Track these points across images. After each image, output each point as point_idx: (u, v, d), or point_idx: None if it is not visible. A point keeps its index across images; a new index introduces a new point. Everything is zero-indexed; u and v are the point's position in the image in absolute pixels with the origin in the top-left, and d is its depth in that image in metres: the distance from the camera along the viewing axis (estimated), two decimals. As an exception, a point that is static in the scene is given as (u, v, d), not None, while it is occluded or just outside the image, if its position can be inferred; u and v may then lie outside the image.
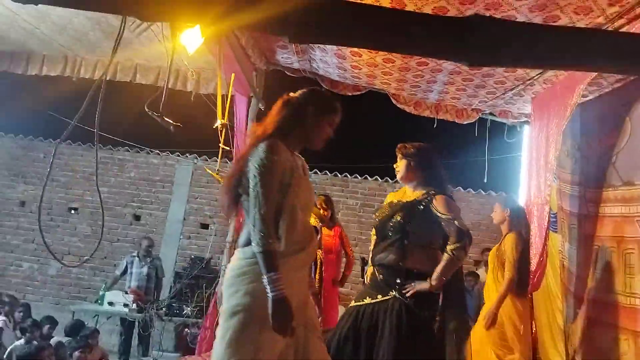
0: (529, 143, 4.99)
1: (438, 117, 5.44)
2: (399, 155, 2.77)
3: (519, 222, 3.71)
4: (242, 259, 1.83)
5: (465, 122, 5.44)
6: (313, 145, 2.07)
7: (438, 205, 2.53)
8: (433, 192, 2.61)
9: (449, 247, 2.45)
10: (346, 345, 2.47)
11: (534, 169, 4.48)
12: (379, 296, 2.52)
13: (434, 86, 4.78)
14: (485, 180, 5.97)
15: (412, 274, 2.51)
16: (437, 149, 2.87)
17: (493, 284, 3.61)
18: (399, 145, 2.82)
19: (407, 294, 2.45)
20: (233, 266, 1.86)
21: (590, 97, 4.16)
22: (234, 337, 1.74)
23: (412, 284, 2.46)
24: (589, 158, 4.14)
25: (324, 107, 2.06)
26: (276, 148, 1.85)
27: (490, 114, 5.46)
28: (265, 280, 1.70)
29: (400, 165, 2.76)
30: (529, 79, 4.25)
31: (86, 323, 5.81)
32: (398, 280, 2.49)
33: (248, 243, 1.81)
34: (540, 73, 4.10)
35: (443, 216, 2.50)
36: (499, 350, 3.40)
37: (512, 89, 4.54)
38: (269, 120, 1.99)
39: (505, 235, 3.62)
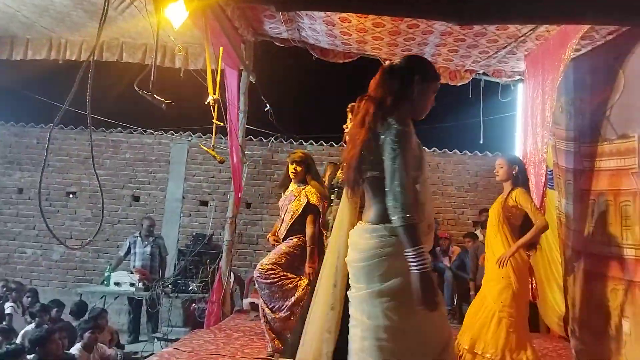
0: (523, 101, 4.98)
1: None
2: (350, 116, 2.67)
3: (524, 178, 3.71)
4: (379, 237, 1.76)
5: (459, 84, 5.41)
6: (419, 115, 1.94)
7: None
8: None
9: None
10: None
11: (530, 127, 4.48)
12: None
13: (425, 49, 4.72)
14: (481, 142, 5.98)
15: None
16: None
17: (495, 237, 3.58)
18: (350, 106, 2.69)
19: None
20: (369, 245, 1.77)
21: (583, 51, 4.12)
22: (396, 321, 1.70)
23: None
24: (583, 113, 4.13)
25: (430, 74, 1.95)
26: (408, 121, 1.80)
27: (484, 73, 5.42)
28: (410, 254, 1.65)
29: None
30: (521, 36, 4.20)
31: (94, 304, 5.91)
32: None
33: (381, 220, 1.75)
34: (532, 29, 4.06)
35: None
36: (499, 307, 3.43)
37: (504, 47, 4.49)
38: (379, 93, 1.88)
39: (512, 190, 3.59)
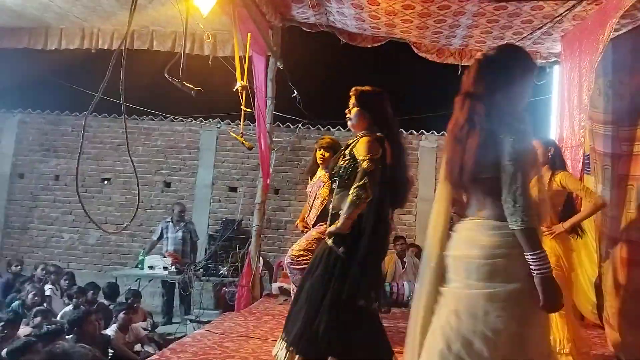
0: (559, 84, 4.81)
1: (462, 64, 5.27)
2: (353, 101, 2.62)
3: (562, 160, 3.59)
4: (504, 235, 1.69)
5: (491, 67, 5.26)
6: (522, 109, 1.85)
7: (358, 146, 2.48)
8: (361, 134, 2.55)
9: (352, 187, 2.40)
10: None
11: (566, 111, 4.34)
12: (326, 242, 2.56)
13: (457, 31, 4.61)
14: (514, 126, 5.82)
15: (338, 216, 2.49)
16: (386, 94, 2.67)
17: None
18: (354, 90, 2.65)
19: (326, 237, 2.50)
20: (493, 243, 1.71)
21: (623, 30, 3.94)
22: (524, 325, 1.67)
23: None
24: (622, 95, 3.97)
25: (531, 64, 1.85)
26: (522, 117, 1.74)
27: (517, 56, 5.26)
28: (532, 257, 1.62)
29: (353, 112, 2.63)
30: (558, 16, 4.05)
31: (129, 287, 6.10)
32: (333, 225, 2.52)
33: (500, 218, 1.69)
34: (569, 9, 3.90)
35: (359, 157, 2.45)
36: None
37: (539, 28, 4.34)
38: (481, 89, 1.77)
39: (554, 174, 3.47)
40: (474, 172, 1.74)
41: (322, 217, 3.82)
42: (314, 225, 3.85)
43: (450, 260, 1.79)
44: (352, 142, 2.59)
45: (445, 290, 1.78)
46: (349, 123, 2.68)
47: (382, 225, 2.50)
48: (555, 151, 3.53)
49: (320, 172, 3.94)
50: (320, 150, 3.91)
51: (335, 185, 2.59)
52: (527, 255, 1.63)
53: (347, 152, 2.57)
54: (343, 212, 2.42)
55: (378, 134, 2.52)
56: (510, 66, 1.79)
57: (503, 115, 1.71)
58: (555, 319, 3.28)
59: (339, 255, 2.43)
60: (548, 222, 3.40)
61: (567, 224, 3.35)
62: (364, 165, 2.40)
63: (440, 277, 1.81)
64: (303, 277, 2.62)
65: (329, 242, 2.48)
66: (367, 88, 2.66)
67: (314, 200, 3.88)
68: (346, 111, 2.67)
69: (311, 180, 4.04)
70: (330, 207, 2.57)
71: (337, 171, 2.57)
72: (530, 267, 1.62)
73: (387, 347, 2.50)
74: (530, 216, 1.62)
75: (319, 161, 3.92)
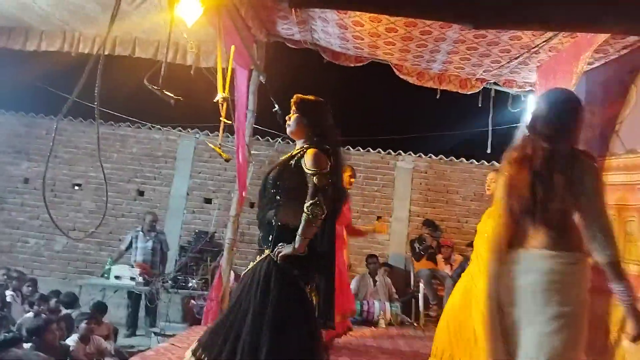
0: (533, 113, 4.94)
1: (441, 88, 5.38)
2: (293, 108, 2.60)
3: None
4: (571, 264, 1.95)
5: (469, 93, 5.39)
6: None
7: (306, 158, 2.39)
8: (307, 145, 2.48)
9: (305, 205, 2.29)
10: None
11: (538, 139, 4.44)
12: (258, 257, 2.44)
13: (437, 56, 4.71)
14: (488, 151, 5.94)
15: (286, 229, 2.38)
16: (327, 105, 2.66)
17: None
18: (294, 97, 2.64)
19: (276, 258, 2.34)
20: (563, 270, 1.95)
21: (596, 64, 4.09)
22: (579, 341, 1.95)
23: (280, 245, 2.35)
24: (593, 127, 4.10)
25: (582, 110, 2.11)
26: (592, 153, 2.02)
27: (495, 83, 5.40)
28: (621, 288, 1.85)
29: (292, 119, 2.59)
30: (535, 47, 4.18)
31: (93, 297, 5.91)
32: (270, 237, 2.39)
33: (575, 248, 1.93)
34: (545, 40, 4.03)
35: (307, 171, 2.36)
36: None
37: (517, 57, 4.47)
38: (551, 130, 1.99)
39: None
40: (547, 206, 1.91)
41: None
42: None
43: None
44: (297, 153, 2.49)
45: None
46: (287, 130, 2.62)
47: (328, 240, 2.47)
48: None
49: None
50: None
51: (275, 197, 2.44)
52: (616, 286, 1.87)
53: (292, 162, 2.46)
54: (299, 233, 2.30)
55: (326, 146, 2.46)
56: (574, 110, 2.03)
57: (580, 155, 1.92)
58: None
59: (294, 275, 2.33)
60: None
61: None
62: (316, 180, 2.30)
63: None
64: (239, 294, 2.42)
65: (280, 262, 2.34)
66: (308, 97, 2.64)
67: None
68: (286, 118, 2.63)
69: None
70: (273, 220, 2.39)
71: (282, 183, 2.44)
72: (619, 297, 1.89)
73: None
74: (617, 250, 1.87)
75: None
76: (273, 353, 2.17)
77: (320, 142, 2.47)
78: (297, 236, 2.30)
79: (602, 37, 3.40)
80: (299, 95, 2.63)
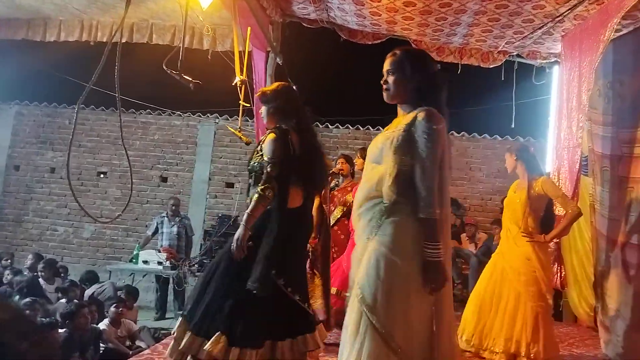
0: (559, 84, 4.79)
1: (462, 63, 5.25)
2: (261, 101, 2.75)
3: (535, 165, 3.60)
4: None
5: (491, 66, 5.24)
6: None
7: (264, 145, 2.54)
8: (268, 132, 2.60)
9: (258, 187, 2.46)
10: None
11: (565, 111, 4.32)
12: None
13: (457, 29, 4.58)
14: (512, 126, 5.81)
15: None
16: (289, 87, 2.79)
17: (520, 232, 3.48)
18: (258, 92, 2.81)
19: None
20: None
21: (624, 31, 3.93)
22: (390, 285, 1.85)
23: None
24: (623, 97, 3.96)
25: None
26: None
27: (518, 55, 5.23)
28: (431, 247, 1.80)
29: (262, 112, 2.74)
30: (559, 16, 4.03)
31: (124, 281, 6.05)
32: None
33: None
34: (570, 8, 3.88)
35: (264, 157, 2.51)
36: (531, 301, 3.36)
37: (540, 27, 4.32)
38: None
39: (534, 180, 3.48)
40: None
41: None
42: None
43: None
44: (263, 138, 2.64)
45: None
46: (263, 121, 2.78)
47: (293, 216, 2.55)
48: (530, 157, 3.55)
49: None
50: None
51: (251, 182, 2.63)
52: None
53: (259, 148, 2.63)
54: (247, 211, 2.48)
55: (283, 126, 2.59)
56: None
57: None
58: (522, 321, 3.29)
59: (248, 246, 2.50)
60: (525, 226, 3.42)
61: (549, 237, 3.36)
62: (268, 168, 2.47)
63: None
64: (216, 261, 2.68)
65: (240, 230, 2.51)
66: (268, 88, 2.80)
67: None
68: (260, 111, 2.79)
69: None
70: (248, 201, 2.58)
71: (252, 168, 2.62)
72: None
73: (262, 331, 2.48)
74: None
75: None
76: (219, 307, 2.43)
77: (284, 127, 2.59)
78: (245, 214, 2.49)
79: (632, 1, 3.25)
80: (260, 89, 2.84)
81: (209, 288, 2.50)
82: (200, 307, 2.46)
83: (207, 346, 2.34)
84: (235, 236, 2.50)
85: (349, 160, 4.57)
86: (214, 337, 2.36)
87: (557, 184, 3.66)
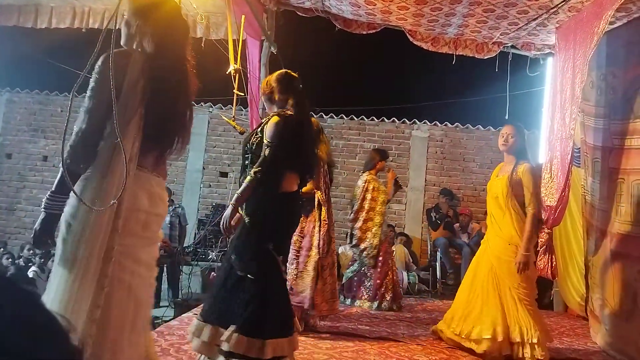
0: (552, 75, 4.80)
1: (457, 53, 5.24)
2: (261, 92, 2.80)
3: (525, 150, 3.58)
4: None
5: (485, 57, 5.24)
6: None
7: (267, 127, 2.55)
8: (271, 115, 2.63)
9: (252, 169, 2.48)
10: None
11: (558, 102, 4.33)
12: None
13: (452, 19, 4.58)
14: (506, 117, 5.83)
15: (255, 193, 2.57)
16: (291, 75, 2.79)
17: (504, 216, 3.43)
18: (263, 81, 2.87)
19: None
20: None
21: (618, 23, 3.94)
22: None
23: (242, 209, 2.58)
24: (615, 89, 3.98)
25: None
26: None
27: (512, 47, 5.24)
28: None
29: (264, 98, 2.80)
30: (553, 7, 4.03)
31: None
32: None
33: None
34: (564, 0, 3.88)
35: (265, 140, 2.53)
36: (516, 287, 3.37)
37: (535, 19, 4.32)
38: None
39: (518, 165, 3.45)
40: None
41: None
42: None
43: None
44: (265, 120, 2.65)
45: None
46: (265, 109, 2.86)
47: (286, 200, 2.59)
48: (520, 140, 3.52)
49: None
50: None
51: (244, 162, 2.66)
52: None
53: (259, 130, 2.64)
54: (238, 192, 2.52)
55: (287, 111, 2.61)
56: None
57: None
58: (518, 308, 3.31)
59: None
60: (509, 211, 3.39)
61: (523, 248, 3.28)
62: (266, 152, 2.48)
63: None
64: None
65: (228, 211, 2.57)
66: (272, 75, 2.82)
67: None
68: (261, 96, 2.86)
69: None
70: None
71: (249, 148, 2.62)
72: None
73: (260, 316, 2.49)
74: None
75: None
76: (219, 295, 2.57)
77: (289, 112, 2.62)
78: (236, 194, 2.53)
79: (626, -7, 3.26)
80: (264, 80, 2.88)
81: (236, 287, 2.51)
82: (238, 307, 2.46)
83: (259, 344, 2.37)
84: (223, 215, 2.55)
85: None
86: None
87: (545, 176, 3.64)
